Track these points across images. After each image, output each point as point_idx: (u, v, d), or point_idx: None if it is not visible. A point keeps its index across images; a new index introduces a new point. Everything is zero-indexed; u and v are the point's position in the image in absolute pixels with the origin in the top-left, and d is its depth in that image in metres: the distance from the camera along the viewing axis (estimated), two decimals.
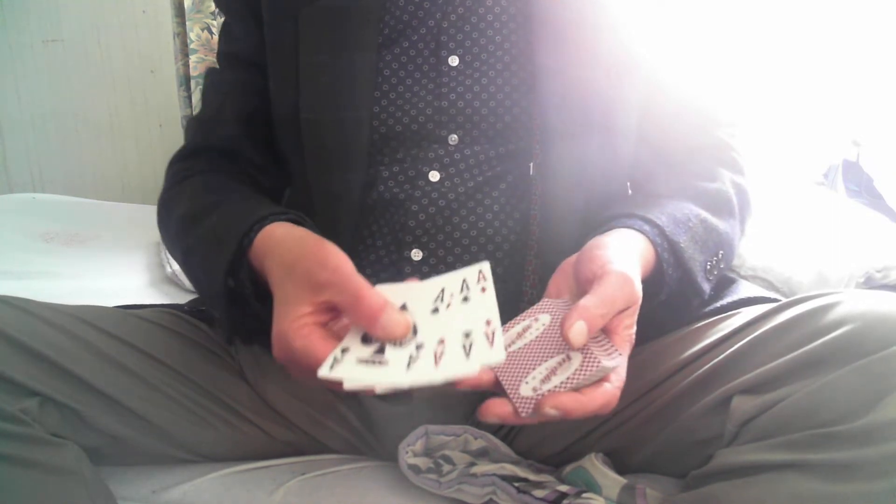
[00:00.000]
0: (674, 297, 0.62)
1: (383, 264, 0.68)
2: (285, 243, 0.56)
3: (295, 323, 0.49)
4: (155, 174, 2.12)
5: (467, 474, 0.61)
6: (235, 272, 0.59)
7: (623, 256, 0.54)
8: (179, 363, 0.65)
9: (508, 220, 0.67)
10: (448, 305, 0.49)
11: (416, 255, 0.66)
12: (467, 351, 0.45)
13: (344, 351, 0.47)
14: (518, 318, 0.54)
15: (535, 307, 0.54)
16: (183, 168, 0.75)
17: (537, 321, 0.52)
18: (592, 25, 0.67)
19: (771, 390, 0.52)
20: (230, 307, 0.60)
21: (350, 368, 0.45)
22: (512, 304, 0.66)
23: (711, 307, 0.65)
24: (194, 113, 1.69)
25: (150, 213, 1.85)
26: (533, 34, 0.67)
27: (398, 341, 0.46)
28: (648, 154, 0.72)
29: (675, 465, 0.61)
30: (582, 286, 0.53)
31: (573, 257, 0.56)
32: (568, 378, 0.47)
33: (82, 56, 2.02)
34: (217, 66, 0.81)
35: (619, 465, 0.64)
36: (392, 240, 0.67)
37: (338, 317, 0.51)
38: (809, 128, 1.52)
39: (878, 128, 1.47)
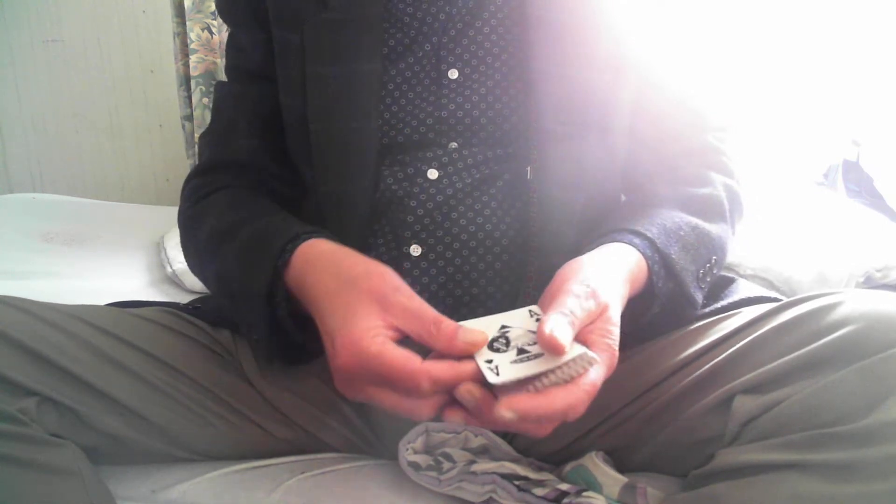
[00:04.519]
0: (667, 308, 0.62)
1: (383, 261, 0.68)
2: (336, 257, 0.57)
3: (369, 332, 0.50)
4: (155, 174, 2.12)
5: (467, 472, 0.61)
6: (271, 293, 0.59)
7: (591, 272, 0.54)
8: (179, 362, 0.65)
9: (506, 216, 0.67)
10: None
11: (416, 250, 0.66)
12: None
13: (489, 361, 0.48)
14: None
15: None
16: (203, 183, 0.76)
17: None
18: (587, 26, 0.68)
19: (772, 390, 0.52)
20: (271, 329, 0.61)
21: (513, 370, 0.47)
22: (512, 303, 0.67)
23: (712, 307, 0.66)
24: (194, 113, 1.69)
25: (150, 213, 1.85)
26: (529, 40, 0.68)
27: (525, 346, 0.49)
28: (647, 154, 0.73)
29: (675, 464, 0.61)
30: (546, 302, 0.53)
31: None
32: (549, 368, 0.47)
33: (82, 56, 2.02)
34: (225, 80, 0.81)
35: (620, 463, 0.64)
36: (392, 237, 0.68)
37: (399, 338, 0.51)
38: (809, 128, 1.52)
39: (878, 128, 1.47)
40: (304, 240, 0.60)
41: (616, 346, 0.51)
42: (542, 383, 0.47)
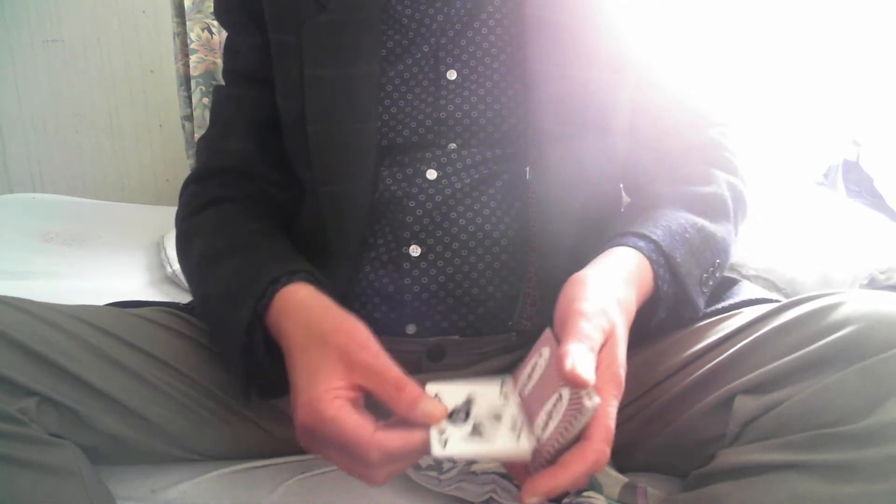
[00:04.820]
0: (670, 311, 0.62)
1: (382, 261, 0.68)
2: (311, 308, 0.57)
3: (328, 393, 0.50)
4: (155, 174, 2.12)
5: (468, 472, 0.61)
6: (250, 332, 0.59)
7: (592, 287, 0.52)
8: (179, 361, 0.65)
9: (505, 216, 0.67)
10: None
11: (415, 251, 0.66)
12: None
13: (442, 431, 0.48)
14: (528, 356, 0.53)
15: (539, 341, 0.53)
16: (199, 192, 0.75)
17: (541, 357, 0.51)
18: (586, 26, 0.68)
19: (773, 390, 0.52)
20: (246, 363, 0.61)
21: (459, 447, 0.47)
22: (512, 303, 0.66)
23: (713, 308, 0.65)
24: (194, 113, 1.69)
25: (150, 213, 1.84)
26: (527, 40, 0.68)
27: (480, 419, 0.49)
28: (648, 155, 0.72)
29: (676, 464, 0.61)
30: (557, 326, 0.52)
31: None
32: (560, 424, 0.46)
33: (82, 56, 2.02)
34: (222, 84, 0.81)
35: (621, 463, 0.64)
36: (392, 237, 0.68)
37: (362, 397, 0.51)
38: (809, 128, 1.52)
39: (878, 128, 1.46)
40: (285, 283, 0.59)
41: (623, 371, 0.49)
42: (554, 446, 0.46)
